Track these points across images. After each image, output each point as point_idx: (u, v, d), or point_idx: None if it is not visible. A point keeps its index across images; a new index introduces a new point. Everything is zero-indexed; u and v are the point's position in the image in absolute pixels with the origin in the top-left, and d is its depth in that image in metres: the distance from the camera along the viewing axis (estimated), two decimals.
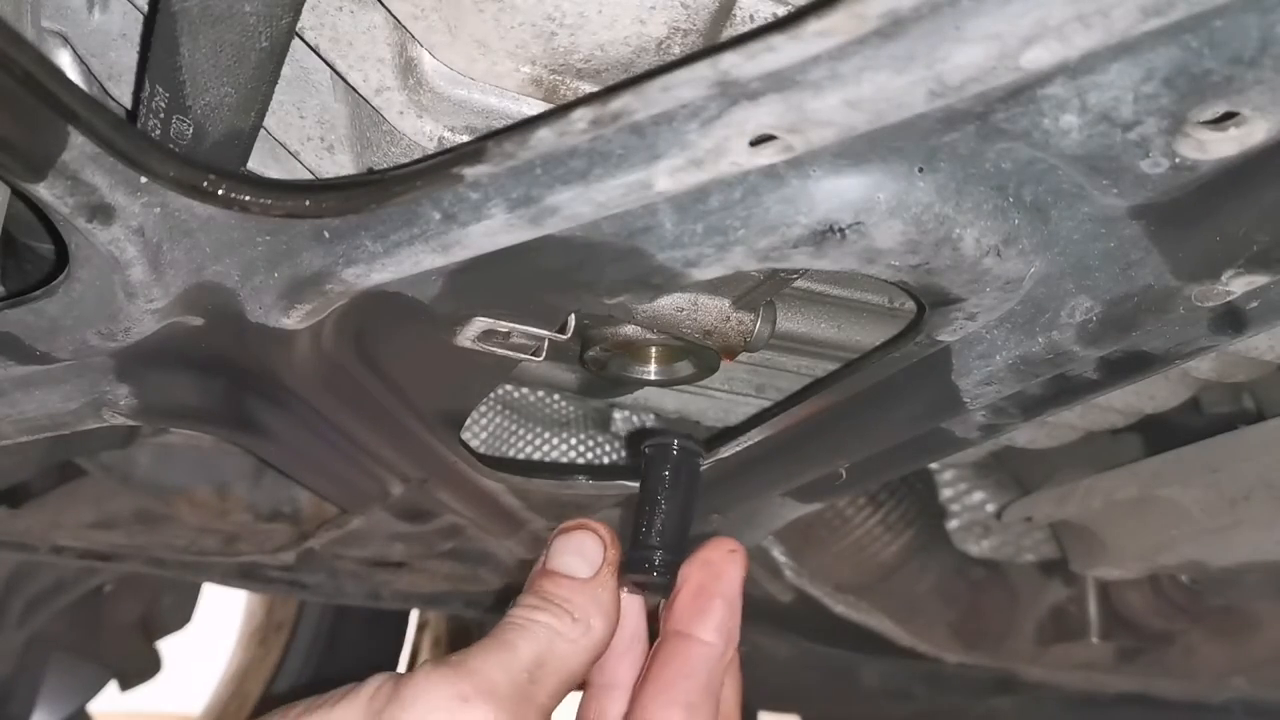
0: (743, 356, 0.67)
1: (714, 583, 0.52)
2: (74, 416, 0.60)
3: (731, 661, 0.53)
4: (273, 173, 0.55)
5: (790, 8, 0.45)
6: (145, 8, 0.47)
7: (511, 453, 0.92)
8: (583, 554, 0.52)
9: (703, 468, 0.60)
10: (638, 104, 0.37)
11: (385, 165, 0.51)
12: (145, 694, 1.81)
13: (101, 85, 0.52)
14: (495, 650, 0.47)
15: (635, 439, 0.94)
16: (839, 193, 0.43)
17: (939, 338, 0.54)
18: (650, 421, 0.96)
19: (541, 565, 0.52)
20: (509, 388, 0.91)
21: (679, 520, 0.55)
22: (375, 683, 0.47)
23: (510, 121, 0.48)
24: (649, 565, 0.53)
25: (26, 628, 1.50)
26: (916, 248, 0.44)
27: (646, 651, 0.55)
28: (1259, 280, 0.44)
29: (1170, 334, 0.50)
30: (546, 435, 0.93)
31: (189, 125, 0.43)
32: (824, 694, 1.56)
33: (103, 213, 0.44)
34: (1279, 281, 0.45)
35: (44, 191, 0.42)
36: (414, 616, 2.07)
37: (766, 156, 0.39)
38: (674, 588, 0.53)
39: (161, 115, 0.43)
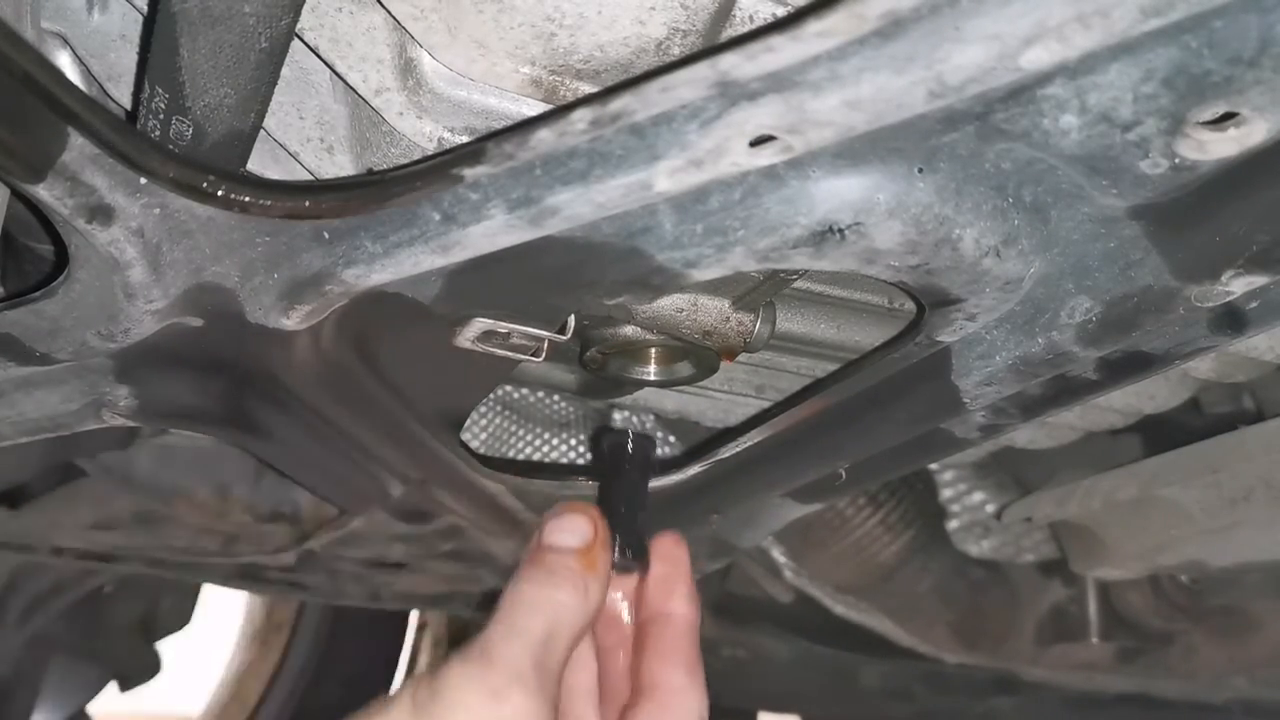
0: (742, 357, 0.67)
1: (674, 568, 0.61)
2: (74, 417, 0.60)
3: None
4: (273, 174, 0.55)
5: (790, 8, 0.45)
6: (145, 9, 0.47)
7: (511, 453, 0.92)
8: (574, 531, 0.57)
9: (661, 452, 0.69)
10: (637, 104, 0.37)
11: (385, 166, 0.51)
12: (145, 694, 1.81)
13: (101, 86, 0.51)
14: (512, 636, 0.52)
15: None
16: (839, 193, 0.43)
17: (939, 338, 0.54)
18: (650, 422, 0.96)
19: (537, 543, 0.58)
20: (509, 388, 0.91)
21: (638, 505, 0.64)
22: (412, 687, 0.51)
23: (510, 122, 0.48)
24: (621, 549, 0.61)
25: (26, 628, 1.50)
26: (916, 248, 0.44)
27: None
28: (1259, 280, 0.44)
29: (1170, 334, 0.50)
30: (546, 435, 0.93)
31: (188, 126, 0.43)
32: (824, 694, 1.56)
33: (102, 213, 0.44)
34: (1279, 281, 0.45)
35: (44, 192, 0.42)
36: (414, 617, 2.07)
37: (766, 157, 0.39)
38: (647, 565, 0.61)
39: (161, 116, 0.43)
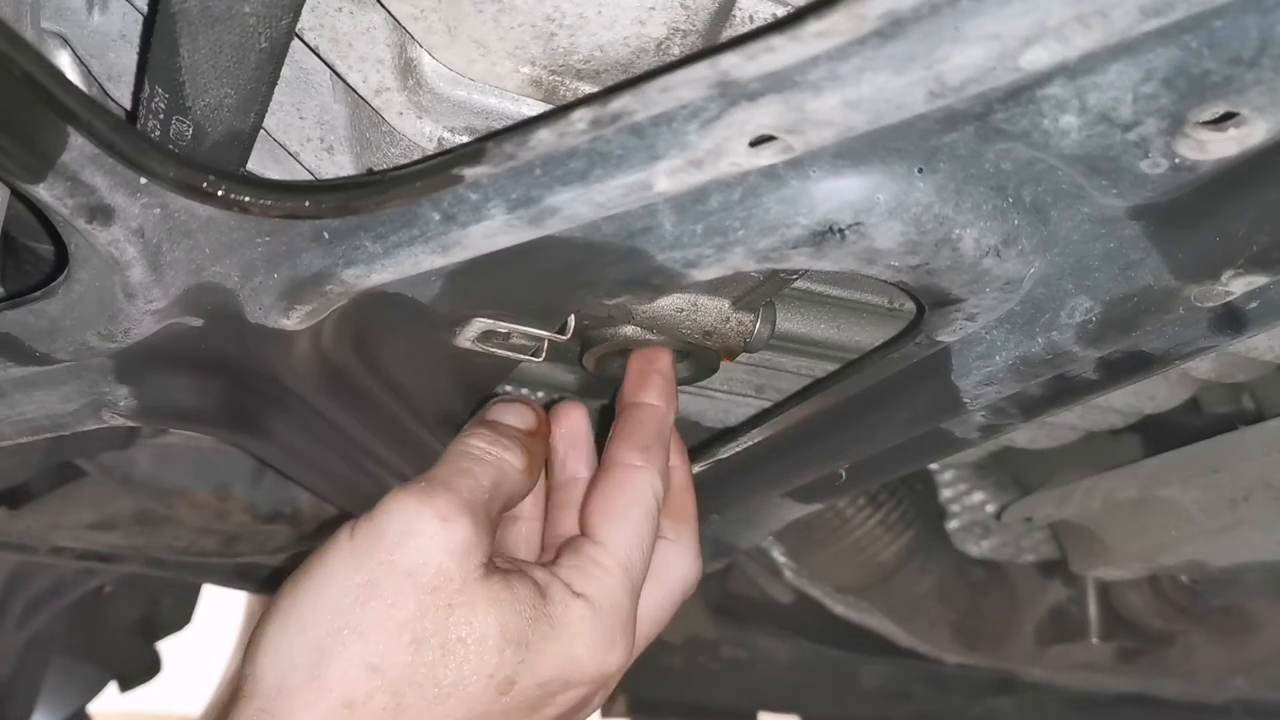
0: (742, 357, 0.67)
1: (650, 364, 0.62)
2: (73, 418, 0.60)
3: (674, 430, 0.64)
4: (273, 173, 0.55)
5: (790, 8, 0.45)
6: (145, 9, 0.47)
7: None
8: (519, 416, 0.59)
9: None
10: (637, 105, 0.37)
11: (385, 166, 0.51)
12: (145, 694, 1.81)
13: (101, 86, 0.51)
14: (460, 476, 0.53)
15: None
16: (838, 193, 0.43)
17: (939, 338, 0.54)
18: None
19: (480, 417, 0.59)
20: (509, 388, 0.91)
21: None
22: (347, 528, 0.51)
23: (510, 122, 0.48)
24: None
25: (26, 629, 1.50)
26: (916, 248, 0.44)
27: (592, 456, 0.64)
28: (1259, 280, 0.44)
29: (1170, 334, 0.50)
30: None
31: (188, 126, 0.43)
32: (824, 695, 1.56)
33: (102, 214, 0.44)
34: (1279, 281, 0.45)
35: (43, 192, 0.42)
36: None
37: (766, 157, 0.39)
38: None
39: (161, 116, 0.43)
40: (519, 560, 0.56)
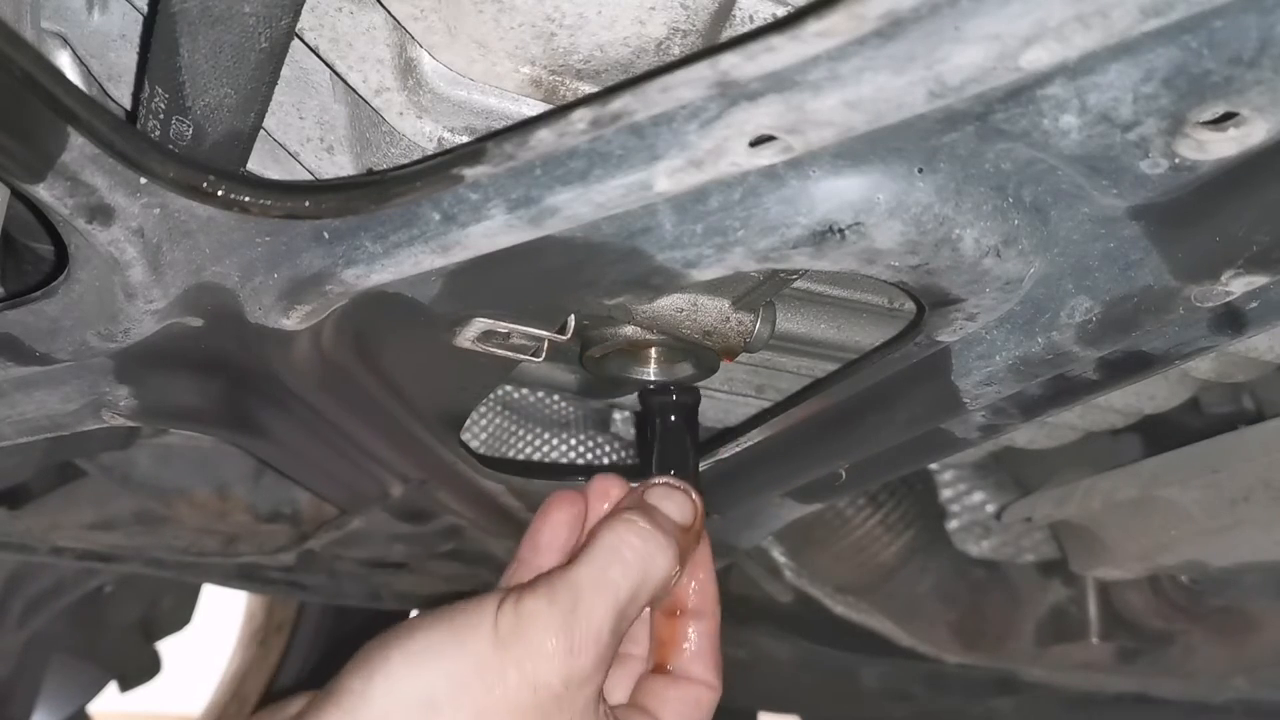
0: (742, 357, 0.67)
1: (704, 571, 0.62)
2: (73, 418, 0.60)
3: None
4: (273, 174, 0.55)
5: (790, 8, 0.45)
6: (145, 9, 0.47)
7: (511, 453, 0.92)
8: (680, 506, 0.58)
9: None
10: (637, 105, 0.37)
11: (385, 166, 0.51)
12: (145, 694, 1.81)
13: (101, 86, 0.51)
14: (603, 588, 0.52)
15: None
16: (838, 193, 0.43)
17: (939, 338, 0.54)
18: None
19: (641, 499, 0.58)
20: (509, 388, 0.91)
21: (689, 461, 0.65)
22: (494, 611, 0.51)
23: (510, 122, 0.48)
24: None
25: (26, 629, 1.50)
26: (916, 248, 0.44)
27: None
28: (1258, 280, 0.44)
29: (1170, 334, 0.50)
30: (546, 435, 0.93)
31: (188, 126, 0.43)
32: (824, 695, 1.56)
33: (102, 213, 0.44)
34: (1278, 282, 0.45)
35: (44, 192, 0.42)
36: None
37: (766, 157, 0.39)
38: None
39: (161, 116, 0.43)
40: (614, 709, 0.57)
